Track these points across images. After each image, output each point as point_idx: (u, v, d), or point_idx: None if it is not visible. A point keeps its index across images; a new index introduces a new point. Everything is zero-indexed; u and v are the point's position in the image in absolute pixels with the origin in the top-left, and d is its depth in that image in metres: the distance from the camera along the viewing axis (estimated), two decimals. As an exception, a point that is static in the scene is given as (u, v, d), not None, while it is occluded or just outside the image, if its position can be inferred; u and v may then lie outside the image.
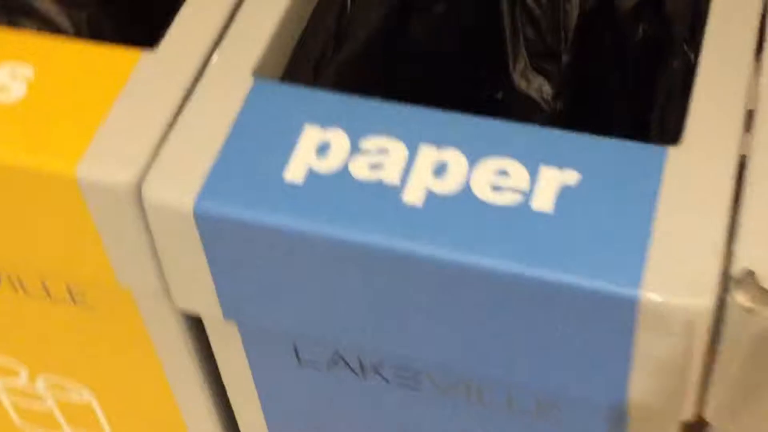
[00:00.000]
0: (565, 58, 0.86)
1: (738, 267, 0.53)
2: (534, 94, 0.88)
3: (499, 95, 0.88)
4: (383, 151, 0.60)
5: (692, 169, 0.58)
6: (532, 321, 0.58)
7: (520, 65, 0.88)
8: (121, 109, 0.65)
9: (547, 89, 0.88)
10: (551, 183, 0.58)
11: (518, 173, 0.58)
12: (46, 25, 0.92)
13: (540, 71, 0.87)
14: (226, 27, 0.69)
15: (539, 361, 0.60)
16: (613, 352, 0.57)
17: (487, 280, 0.56)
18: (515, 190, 0.58)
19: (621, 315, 0.55)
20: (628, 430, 0.65)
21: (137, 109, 0.65)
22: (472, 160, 0.59)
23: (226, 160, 0.61)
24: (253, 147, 0.61)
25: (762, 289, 0.52)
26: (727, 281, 0.53)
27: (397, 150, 0.59)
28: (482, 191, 0.58)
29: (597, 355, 0.58)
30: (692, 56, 0.71)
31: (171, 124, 0.63)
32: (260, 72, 0.66)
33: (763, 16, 0.68)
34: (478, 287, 0.57)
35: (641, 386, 0.59)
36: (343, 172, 0.59)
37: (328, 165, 0.60)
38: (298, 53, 0.73)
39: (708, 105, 0.62)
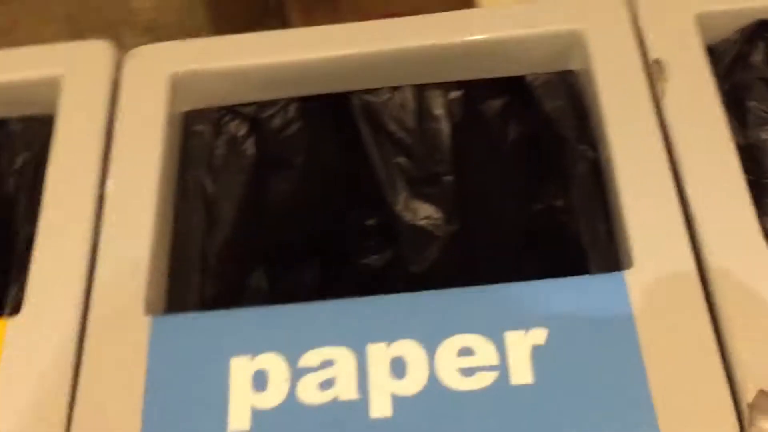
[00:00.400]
0: (447, 178, 0.81)
1: (750, 392, 0.50)
2: (423, 223, 0.83)
3: (385, 232, 0.82)
4: (328, 363, 0.53)
5: (657, 290, 0.54)
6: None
7: (401, 197, 0.83)
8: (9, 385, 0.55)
9: (437, 215, 0.83)
10: (522, 349, 0.53)
11: (483, 348, 0.53)
12: None
13: (424, 198, 0.83)
14: (90, 275, 0.61)
15: None
16: None
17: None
18: (486, 369, 0.52)
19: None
20: None
21: (27, 381, 0.56)
22: (430, 346, 0.53)
23: (152, 423, 0.53)
24: (179, 401, 0.53)
25: (783, 407, 0.49)
26: (742, 411, 0.50)
27: (344, 358, 0.53)
28: (452, 379, 0.52)
29: None
30: (591, 155, 0.68)
31: (72, 395, 0.55)
32: (149, 308, 0.58)
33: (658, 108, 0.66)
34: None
35: None
36: (291, 402, 0.52)
37: (271, 398, 0.52)
38: (176, 262, 0.65)
39: (646, 216, 0.59)
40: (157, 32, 1.83)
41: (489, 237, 0.82)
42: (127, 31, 1.72)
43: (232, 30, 1.60)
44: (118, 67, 0.75)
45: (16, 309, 0.60)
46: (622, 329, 0.52)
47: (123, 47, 0.81)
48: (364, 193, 0.83)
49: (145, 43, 0.78)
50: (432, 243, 0.83)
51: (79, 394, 0.54)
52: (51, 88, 0.74)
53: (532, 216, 0.81)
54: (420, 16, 0.79)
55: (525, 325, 0.52)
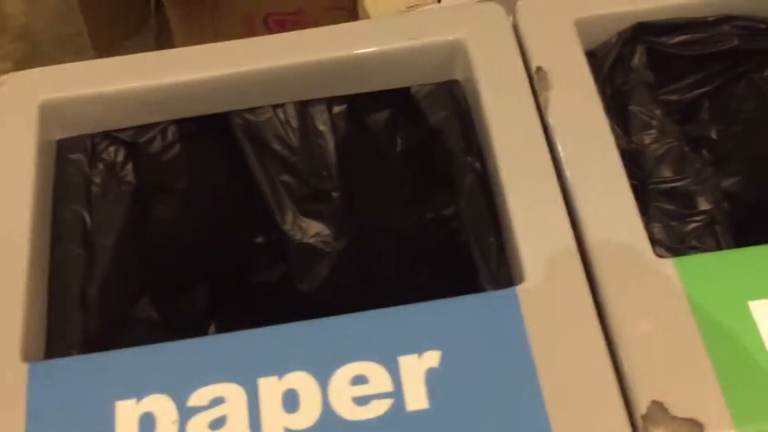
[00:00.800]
0: (335, 194, 0.80)
1: (643, 403, 0.49)
2: (312, 240, 0.81)
3: (274, 251, 0.81)
4: (219, 401, 0.51)
5: (549, 305, 0.54)
6: None
7: (289, 216, 0.81)
8: None
9: (326, 232, 0.81)
10: (416, 373, 0.52)
11: (377, 375, 0.52)
12: None
13: (313, 216, 0.81)
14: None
15: None
16: None
17: None
18: (381, 396, 0.51)
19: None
20: None
21: None
22: (322, 376, 0.51)
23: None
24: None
25: (677, 419, 0.49)
26: (636, 422, 0.49)
27: (234, 394, 0.51)
28: (346, 410, 0.50)
29: None
30: (478, 166, 0.67)
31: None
32: (27, 355, 0.56)
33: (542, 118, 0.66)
34: None
35: None
36: (182, 443, 0.50)
37: (160, 441, 0.50)
38: (55, 296, 0.63)
39: (535, 230, 0.58)
40: (30, 38, 1.77)
41: (380, 251, 0.81)
42: (1, 37, 1.66)
43: (110, 36, 1.56)
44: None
45: None
46: (515, 346, 0.51)
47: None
48: (252, 214, 0.81)
49: (19, 48, 0.75)
50: (322, 260, 0.81)
51: (-45, 449, 0.51)
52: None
53: (423, 228, 0.81)
54: (300, 31, 0.77)
55: (418, 348, 0.51)
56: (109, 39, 1.61)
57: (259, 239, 0.84)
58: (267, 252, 0.84)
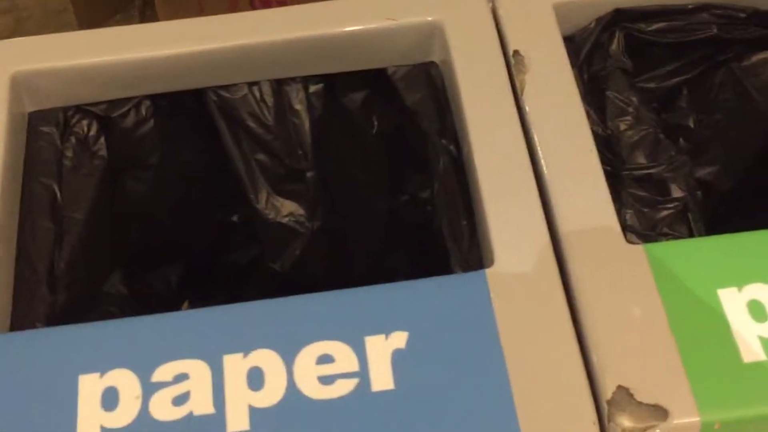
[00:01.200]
0: (310, 174, 0.79)
1: (609, 388, 0.49)
2: (286, 220, 0.81)
3: (248, 230, 0.80)
4: (183, 377, 0.50)
5: (518, 288, 0.54)
6: None
7: (263, 195, 0.80)
8: None
9: (300, 211, 0.81)
10: (382, 354, 0.51)
11: (343, 354, 0.51)
12: None
13: (287, 195, 0.81)
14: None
15: None
16: None
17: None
18: (346, 376, 0.51)
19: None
20: None
21: None
22: (288, 355, 0.51)
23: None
24: (25, 422, 0.49)
25: (642, 405, 0.49)
26: (602, 407, 0.49)
27: (199, 371, 0.50)
28: (311, 389, 0.50)
29: None
30: (453, 149, 0.67)
31: None
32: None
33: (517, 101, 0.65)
34: None
35: None
36: (144, 419, 0.49)
37: (121, 416, 0.50)
38: (23, 269, 0.62)
39: (506, 214, 0.58)
40: (16, 14, 1.76)
41: (354, 232, 0.81)
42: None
43: (96, 12, 1.55)
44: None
45: None
46: (482, 329, 0.51)
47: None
48: (225, 192, 0.80)
49: (2, 24, 0.73)
50: (295, 240, 0.81)
51: None
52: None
53: (397, 209, 0.80)
54: (278, 8, 0.77)
55: (385, 329, 0.51)
56: (95, 15, 1.60)
57: (233, 218, 0.84)
58: (240, 231, 0.84)
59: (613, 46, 0.75)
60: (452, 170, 0.66)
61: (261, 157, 0.77)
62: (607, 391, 0.49)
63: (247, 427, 0.48)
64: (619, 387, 0.49)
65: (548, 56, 0.69)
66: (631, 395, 0.49)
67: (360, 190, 0.79)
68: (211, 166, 0.77)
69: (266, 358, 0.51)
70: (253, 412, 0.49)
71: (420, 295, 0.53)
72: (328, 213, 0.79)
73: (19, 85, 0.69)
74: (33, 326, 0.59)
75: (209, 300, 0.70)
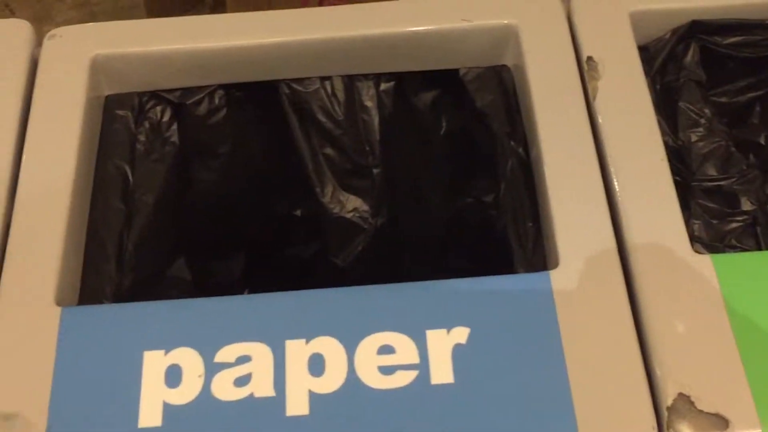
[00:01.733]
0: (376, 171, 0.80)
1: (669, 395, 0.49)
2: (350, 215, 0.81)
3: (312, 223, 0.81)
4: (245, 359, 0.51)
5: (582, 291, 0.54)
6: None
7: (329, 189, 0.81)
8: None
9: (364, 207, 0.82)
10: (443, 348, 0.51)
11: (404, 346, 0.52)
12: None
13: (352, 191, 0.81)
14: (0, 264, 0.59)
15: None
16: None
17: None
18: (407, 367, 0.51)
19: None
20: None
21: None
22: (350, 343, 0.51)
23: (59, 417, 0.50)
24: (89, 395, 0.50)
25: (702, 413, 0.48)
26: (662, 414, 0.49)
27: (261, 354, 0.51)
28: (371, 378, 0.50)
29: None
30: (522, 152, 0.67)
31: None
32: (60, 299, 0.56)
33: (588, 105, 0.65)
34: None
35: None
36: (205, 398, 0.50)
37: (184, 394, 0.51)
38: (93, 248, 0.63)
39: (573, 217, 0.58)
40: (89, 8, 1.79)
41: (416, 230, 0.81)
42: (58, 6, 1.68)
43: (166, 9, 1.58)
44: (38, 46, 0.73)
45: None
46: (544, 329, 0.51)
47: (53, 23, 0.77)
48: (291, 184, 0.81)
49: (76, 18, 0.75)
50: (358, 235, 0.81)
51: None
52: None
53: (461, 210, 0.80)
54: (353, 5, 0.77)
55: (447, 323, 0.51)
56: (166, 12, 1.63)
57: (297, 212, 0.85)
58: (303, 225, 0.84)
59: (688, 58, 0.75)
60: (520, 173, 0.66)
61: (329, 151, 0.78)
62: (668, 398, 0.49)
63: (306, 411, 0.49)
64: (680, 395, 0.49)
65: (622, 64, 0.69)
66: (692, 403, 0.48)
67: (424, 189, 0.79)
68: (278, 159, 0.78)
69: (328, 346, 0.51)
70: (313, 397, 0.49)
71: (483, 293, 0.53)
72: (392, 210, 0.79)
73: (98, 68, 0.70)
74: (100, 303, 0.60)
75: (270, 291, 0.70)
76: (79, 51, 0.71)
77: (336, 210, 0.79)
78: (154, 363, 0.51)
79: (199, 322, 0.52)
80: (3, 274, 0.57)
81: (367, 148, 0.78)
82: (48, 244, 0.58)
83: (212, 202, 0.78)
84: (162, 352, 0.51)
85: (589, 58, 0.69)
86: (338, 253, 0.80)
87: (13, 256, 0.58)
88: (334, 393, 0.49)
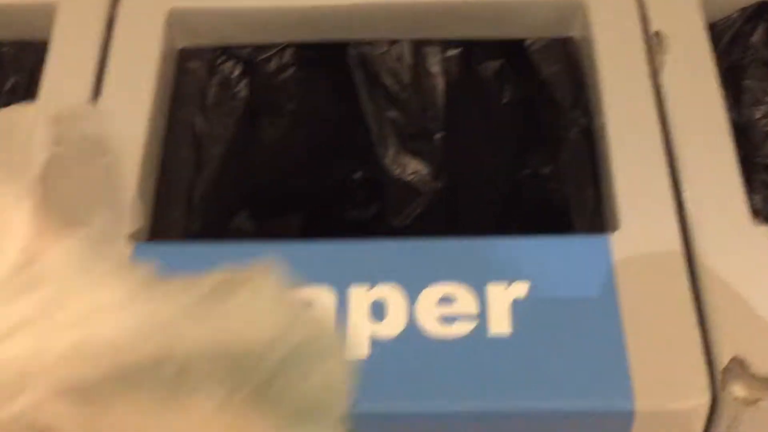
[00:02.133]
0: (438, 136, 0.81)
1: (724, 357, 0.50)
2: (410, 178, 0.83)
3: (371, 185, 0.82)
4: (309, 302, 0.53)
5: (641, 254, 0.55)
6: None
7: (391, 151, 0.83)
8: None
9: (424, 170, 0.83)
10: (502, 301, 0.53)
11: (464, 297, 0.53)
12: None
13: (414, 154, 0.83)
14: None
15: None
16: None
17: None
18: (466, 318, 0.52)
19: (617, 427, 0.50)
20: None
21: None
22: (411, 292, 0.53)
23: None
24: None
25: (756, 377, 0.49)
26: (716, 375, 0.50)
27: (324, 297, 0.53)
28: (430, 326, 0.52)
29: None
30: (585, 122, 0.68)
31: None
32: (134, 235, 0.58)
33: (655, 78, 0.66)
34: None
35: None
36: (270, 336, 0.52)
37: (250, 331, 0.52)
38: (164, 195, 0.65)
39: (635, 183, 0.59)
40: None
41: (474, 197, 0.82)
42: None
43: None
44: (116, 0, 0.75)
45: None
46: (602, 289, 0.52)
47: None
48: (354, 145, 0.83)
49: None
50: (417, 198, 0.83)
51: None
52: (46, 14, 0.73)
53: (519, 181, 0.81)
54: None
55: (507, 278, 0.52)
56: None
57: (357, 174, 0.86)
58: (363, 188, 0.86)
59: (755, 38, 0.75)
60: (583, 141, 0.67)
61: (393, 114, 0.79)
62: (723, 360, 0.50)
63: (365, 354, 0.50)
64: (735, 357, 0.49)
65: (689, 39, 0.69)
66: (746, 366, 0.49)
67: (484, 157, 0.80)
68: (343, 119, 0.80)
69: (390, 293, 0.53)
70: (373, 341, 0.51)
71: (543, 251, 0.54)
72: (451, 176, 0.80)
73: (173, 21, 0.72)
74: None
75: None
76: (155, 5, 0.73)
77: (397, 172, 0.80)
78: (221, 300, 0.53)
79: (265, 262, 0.54)
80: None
81: (431, 113, 0.79)
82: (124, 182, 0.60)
83: (276, 159, 0.79)
84: (229, 289, 0.53)
85: (657, 33, 0.70)
86: (396, 216, 0.81)
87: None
88: (394, 338, 0.50)
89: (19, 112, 0.35)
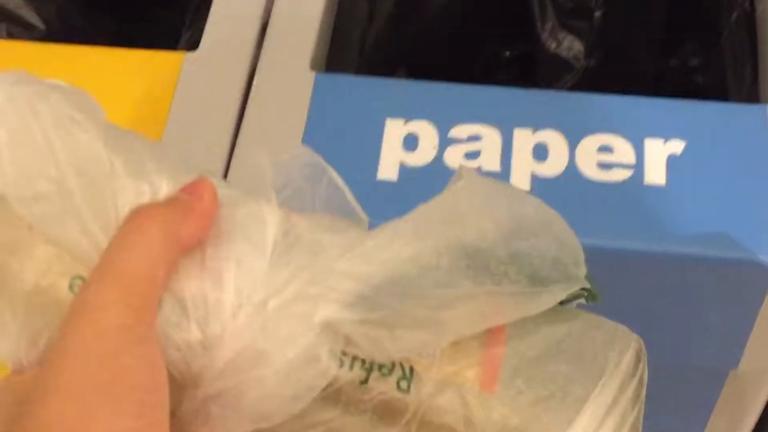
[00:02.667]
0: (597, 14, 0.83)
1: None
2: (564, 53, 0.85)
3: (526, 55, 0.85)
4: (476, 138, 0.57)
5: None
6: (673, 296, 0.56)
7: (549, 25, 0.85)
8: (180, 115, 0.60)
9: (578, 47, 0.85)
10: (659, 155, 0.56)
11: (623, 148, 0.56)
12: (12, 21, 0.86)
13: (570, 30, 0.85)
14: (264, 23, 0.65)
15: (667, 336, 0.58)
16: (739, 319, 0.56)
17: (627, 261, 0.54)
18: (623, 166, 0.56)
19: (757, 281, 0.53)
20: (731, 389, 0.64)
21: (197, 113, 0.60)
22: (573, 138, 0.56)
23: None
24: (334, 151, 0.57)
25: None
26: None
27: (491, 135, 0.56)
28: (589, 170, 0.55)
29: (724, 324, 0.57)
30: (747, 5, 0.69)
31: (237, 128, 0.59)
32: (314, 65, 0.62)
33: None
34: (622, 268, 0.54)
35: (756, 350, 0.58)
36: (438, 163, 0.56)
37: (419, 157, 0.56)
38: (338, 38, 0.69)
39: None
40: None
41: (623, 78, 0.84)
42: None
43: None
44: None
45: (194, 45, 0.65)
46: (758, 156, 0.55)
47: None
48: (509, 18, 0.85)
49: None
50: (569, 73, 0.85)
51: (242, 135, 0.59)
52: None
53: (667, 72, 0.83)
54: None
55: (664, 134, 0.55)
56: None
57: (507, 52, 0.89)
58: (514, 64, 0.89)
59: None
60: (743, 24, 0.69)
61: (555, -11, 0.81)
62: None
63: (527, 188, 0.54)
64: None
65: None
66: None
67: (636, 42, 0.82)
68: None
69: (552, 138, 0.56)
70: (535, 179, 0.54)
71: (701, 115, 0.57)
72: (603, 56, 0.82)
73: None
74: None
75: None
76: None
77: (552, 47, 0.82)
78: (394, 129, 0.57)
79: (437, 100, 0.58)
80: (266, 34, 0.64)
81: (592, -10, 0.81)
82: (308, 13, 0.64)
83: (436, 25, 0.82)
84: (402, 121, 0.57)
85: None
86: (548, 88, 0.84)
87: (276, 18, 0.64)
88: (554, 178, 0.54)
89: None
